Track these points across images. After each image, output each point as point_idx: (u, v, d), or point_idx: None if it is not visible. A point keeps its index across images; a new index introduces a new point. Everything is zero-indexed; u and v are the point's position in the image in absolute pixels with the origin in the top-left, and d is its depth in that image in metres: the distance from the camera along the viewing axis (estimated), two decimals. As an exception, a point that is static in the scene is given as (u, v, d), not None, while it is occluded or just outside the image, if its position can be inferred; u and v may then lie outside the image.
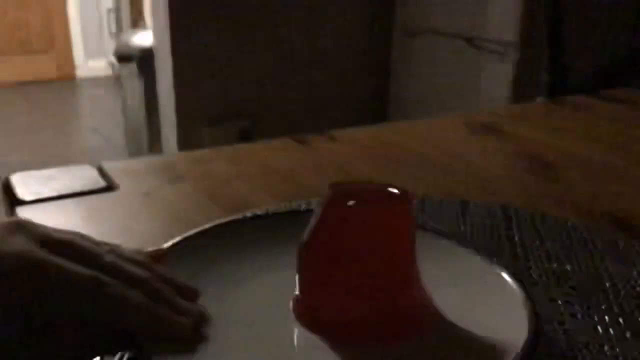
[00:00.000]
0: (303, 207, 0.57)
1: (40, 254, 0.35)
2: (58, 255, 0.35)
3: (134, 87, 2.71)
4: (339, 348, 0.37)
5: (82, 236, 0.39)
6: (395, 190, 0.41)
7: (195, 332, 0.37)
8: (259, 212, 0.55)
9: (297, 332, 0.39)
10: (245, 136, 2.24)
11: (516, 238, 0.52)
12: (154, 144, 2.56)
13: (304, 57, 2.35)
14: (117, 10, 4.42)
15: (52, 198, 0.61)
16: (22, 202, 0.60)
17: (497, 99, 1.98)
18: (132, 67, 2.67)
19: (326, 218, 0.40)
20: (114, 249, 0.40)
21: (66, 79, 5.01)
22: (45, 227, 0.38)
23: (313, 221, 0.40)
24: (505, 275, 0.42)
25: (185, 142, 2.21)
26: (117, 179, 0.66)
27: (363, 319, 0.39)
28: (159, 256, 0.42)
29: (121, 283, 0.36)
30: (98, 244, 0.39)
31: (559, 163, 0.74)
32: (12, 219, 0.38)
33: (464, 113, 0.97)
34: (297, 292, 0.41)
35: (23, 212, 0.58)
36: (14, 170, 0.67)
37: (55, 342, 0.35)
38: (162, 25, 2.15)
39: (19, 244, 0.35)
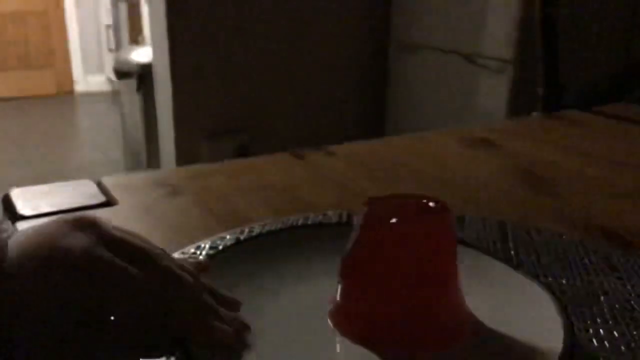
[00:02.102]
0: (344, 218, 0.58)
1: (103, 253, 0.36)
2: (119, 255, 0.36)
3: (133, 102, 2.72)
4: (378, 356, 0.38)
5: (142, 239, 0.40)
6: (433, 204, 0.42)
7: (238, 339, 0.39)
8: (292, 223, 0.56)
9: (335, 340, 0.40)
10: (243, 150, 2.24)
11: (512, 252, 0.52)
12: (153, 159, 2.57)
13: (301, 72, 2.36)
14: (115, 26, 4.45)
15: (52, 213, 0.61)
16: (22, 217, 0.60)
17: (493, 114, 2.00)
18: (131, 82, 2.68)
19: (368, 232, 0.41)
20: (168, 255, 0.41)
21: (65, 95, 5.03)
22: (109, 226, 0.39)
23: (355, 234, 0.41)
24: (539, 287, 0.43)
25: (184, 156, 2.22)
26: (116, 194, 0.66)
27: (402, 327, 0.40)
28: (201, 268, 0.44)
29: (175, 288, 0.38)
30: (155, 247, 0.40)
31: (554, 177, 0.75)
32: (79, 214, 0.38)
33: (460, 128, 0.97)
34: (336, 300, 0.42)
35: (23, 227, 0.58)
36: (13, 186, 0.67)
37: (105, 339, 0.36)
38: (160, 41, 2.17)
39: (84, 241, 0.36)
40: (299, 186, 0.71)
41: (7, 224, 0.38)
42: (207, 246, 0.51)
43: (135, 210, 0.63)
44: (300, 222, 0.57)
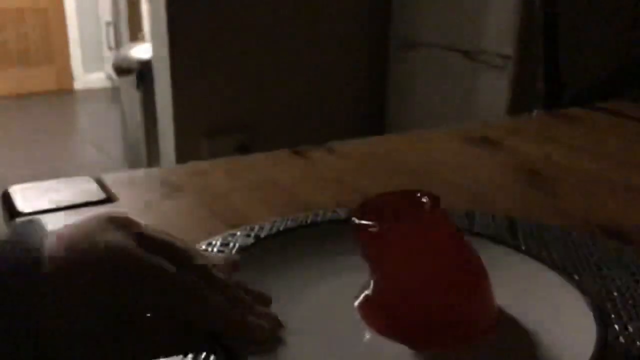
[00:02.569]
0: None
1: (135, 251, 0.36)
2: (153, 253, 0.36)
3: (133, 99, 2.72)
4: (407, 350, 0.39)
5: (174, 237, 0.40)
6: (426, 198, 0.42)
7: (273, 335, 0.39)
8: (318, 218, 0.57)
9: (365, 335, 0.41)
10: (243, 148, 2.24)
11: (523, 248, 0.52)
12: (153, 156, 2.57)
13: (301, 69, 2.36)
14: (115, 23, 4.44)
15: (52, 210, 0.61)
16: (22, 214, 0.60)
17: (494, 112, 1.99)
18: (131, 79, 2.68)
19: (368, 235, 0.41)
20: (201, 252, 0.41)
21: (65, 92, 5.03)
22: (142, 224, 0.39)
23: (356, 239, 0.41)
24: (570, 284, 0.43)
25: (184, 154, 2.21)
26: (116, 191, 0.66)
27: (430, 322, 0.40)
28: (232, 264, 0.44)
29: (209, 285, 0.38)
30: (188, 245, 0.40)
31: (555, 175, 0.75)
32: (109, 212, 0.39)
33: (461, 126, 0.97)
34: (365, 294, 0.42)
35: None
36: (13, 183, 0.67)
37: (140, 337, 0.36)
38: (160, 38, 2.17)
39: (118, 239, 0.36)
40: (299, 184, 0.71)
41: (40, 222, 0.38)
42: (219, 243, 0.51)
43: (135, 208, 0.63)
44: (309, 220, 0.57)
